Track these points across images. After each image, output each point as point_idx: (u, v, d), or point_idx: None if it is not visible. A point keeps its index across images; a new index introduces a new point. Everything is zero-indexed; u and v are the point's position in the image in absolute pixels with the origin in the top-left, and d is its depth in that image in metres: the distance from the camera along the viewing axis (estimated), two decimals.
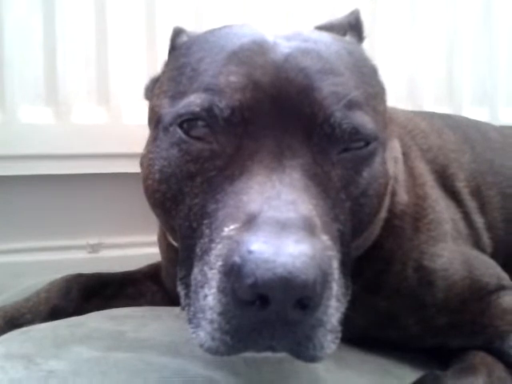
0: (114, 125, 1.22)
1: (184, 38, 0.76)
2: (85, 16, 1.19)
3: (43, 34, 1.17)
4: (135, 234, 1.29)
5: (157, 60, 1.15)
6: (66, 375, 0.63)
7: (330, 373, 0.72)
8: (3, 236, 1.21)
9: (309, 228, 0.50)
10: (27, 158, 1.16)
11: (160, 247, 0.99)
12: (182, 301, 0.59)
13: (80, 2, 1.19)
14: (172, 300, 0.93)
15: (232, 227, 0.51)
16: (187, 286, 0.56)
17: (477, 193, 0.97)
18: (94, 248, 1.30)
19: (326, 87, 0.60)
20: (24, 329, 0.78)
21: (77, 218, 1.28)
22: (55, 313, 0.90)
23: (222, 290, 0.49)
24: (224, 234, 0.51)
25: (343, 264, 0.56)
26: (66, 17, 1.18)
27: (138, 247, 1.28)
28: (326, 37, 0.68)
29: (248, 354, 0.51)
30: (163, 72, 0.74)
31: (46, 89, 1.18)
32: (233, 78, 0.59)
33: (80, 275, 0.99)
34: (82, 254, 1.28)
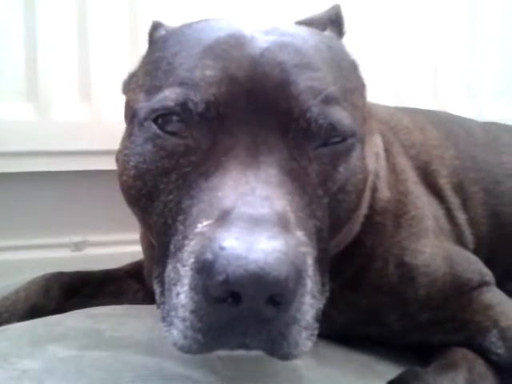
0: (97, 121, 1.21)
1: (162, 32, 0.75)
2: (66, 11, 1.18)
3: (24, 30, 1.16)
4: (119, 231, 1.28)
5: (139, 56, 1.14)
6: (39, 375, 0.61)
7: (311, 370, 0.72)
8: None
9: (283, 224, 0.49)
10: (7, 156, 1.15)
11: (142, 245, 0.98)
12: (158, 299, 0.58)
13: None
14: (154, 298, 0.92)
15: (205, 223, 0.50)
16: (162, 283, 0.56)
17: (459, 189, 0.97)
18: (78, 246, 1.28)
19: (303, 82, 0.59)
20: (0, 328, 0.77)
21: (60, 215, 1.27)
22: (34, 311, 0.89)
23: (193, 288, 0.48)
24: (197, 230, 0.50)
25: (320, 261, 0.56)
26: (47, 12, 1.16)
27: (121, 245, 1.26)
28: (304, 31, 0.68)
29: (221, 352, 0.51)
30: (140, 66, 0.73)
31: (27, 85, 1.16)
32: (208, 72, 0.58)
33: (60, 273, 0.98)
34: (65, 252, 1.27)
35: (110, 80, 1.18)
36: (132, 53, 1.20)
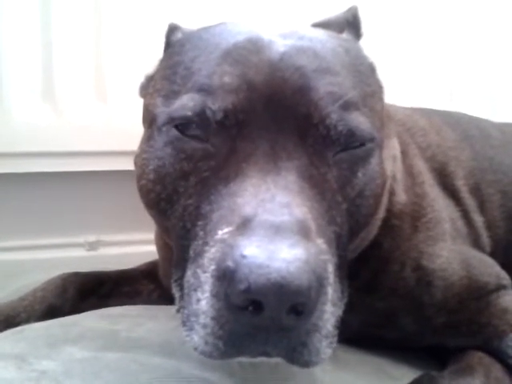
0: (112, 122, 1.21)
1: (178, 35, 0.74)
2: (82, 12, 1.18)
3: (40, 31, 1.16)
4: (133, 231, 1.28)
5: (155, 57, 1.14)
6: (58, 376, 0.62)
7: (327, 374, 0.72)
8: (0, 234, 1.21)
9: (303, 232, 0.49)
10: (24, 156, 1.15)
11: (157, 245, 0.99)
12: (177, 302, 0.58)
13: None
14: (169, 299, 0.92)
15: (226, 230, 0.50)
16: (181, 287, 0.56)
17: (476, 191, 0.96)
18: (92, 246, 1.29)
19: (323, 87, 0.58)
20: (18, 328, 0.77)
21: (74, 215, 1.28)
22: (51, 312, 0.90)
23: (214, 295, 0.48)
24: (218, 237, 0.50)
25: (339, 267, 0.56)
26: (63, 13, 1.17)
27: (136, 245, 1.27)
28: (322, 34, 0.67)
29: (242, 359, 0.51)
30: (157, 70, 0.72)
31: (43, 87, 1.17)
32: (227, 79, 0.58)
33: (76, 274, 0.98)
34: (80, 252, 1.28)
35: (126, 81, 1.18)
36: (148, 54, 1.20)
